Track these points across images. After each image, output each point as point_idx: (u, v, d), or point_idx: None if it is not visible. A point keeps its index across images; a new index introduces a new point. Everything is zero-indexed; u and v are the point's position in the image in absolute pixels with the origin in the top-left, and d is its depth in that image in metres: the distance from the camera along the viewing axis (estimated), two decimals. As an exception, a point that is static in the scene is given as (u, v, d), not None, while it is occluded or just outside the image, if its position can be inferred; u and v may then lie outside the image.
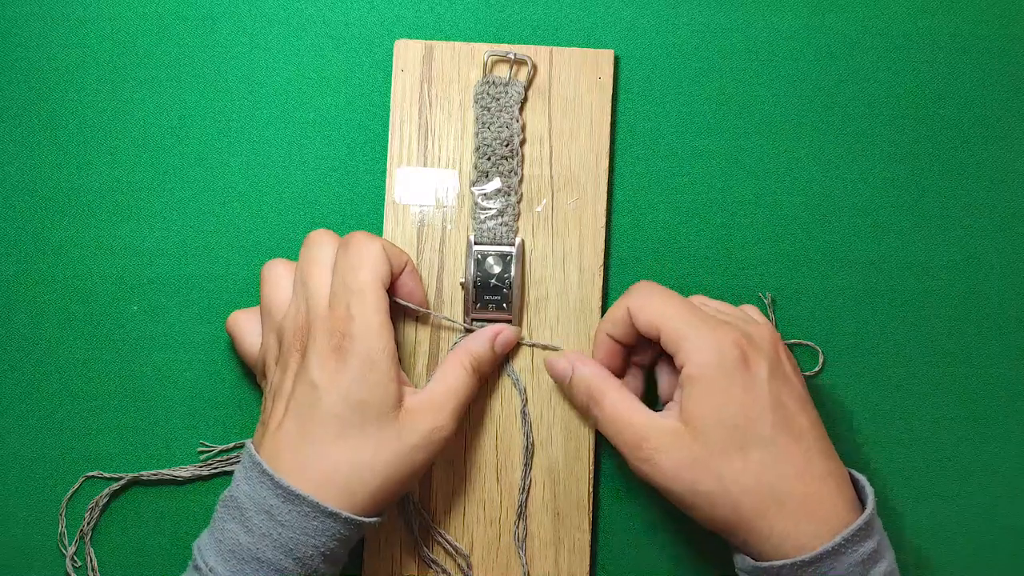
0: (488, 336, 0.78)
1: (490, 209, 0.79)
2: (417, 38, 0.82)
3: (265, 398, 0.75)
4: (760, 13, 0.83)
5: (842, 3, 0.83)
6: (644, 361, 0.78)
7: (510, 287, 0.78)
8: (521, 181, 0.80)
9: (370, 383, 0.70)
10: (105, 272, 0.82)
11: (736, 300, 0.81)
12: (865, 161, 0.83)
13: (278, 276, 0.76)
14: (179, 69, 0.83)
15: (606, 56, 0.81)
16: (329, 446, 0.70)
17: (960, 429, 0.82)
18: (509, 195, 0.79)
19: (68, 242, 0.82)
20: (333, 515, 0.68)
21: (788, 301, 0.82)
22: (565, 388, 0.78)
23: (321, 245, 0.74)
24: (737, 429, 0.69)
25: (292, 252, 0.81)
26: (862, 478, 0.72)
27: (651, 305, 0.73)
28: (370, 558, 0.79)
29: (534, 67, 0.80)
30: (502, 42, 0.82)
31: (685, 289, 0.82)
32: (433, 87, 0.81)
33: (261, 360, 0.76)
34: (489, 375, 0.79)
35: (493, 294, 0.78)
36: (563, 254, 0.80)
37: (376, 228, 0.81)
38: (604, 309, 0.81)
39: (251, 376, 0.81)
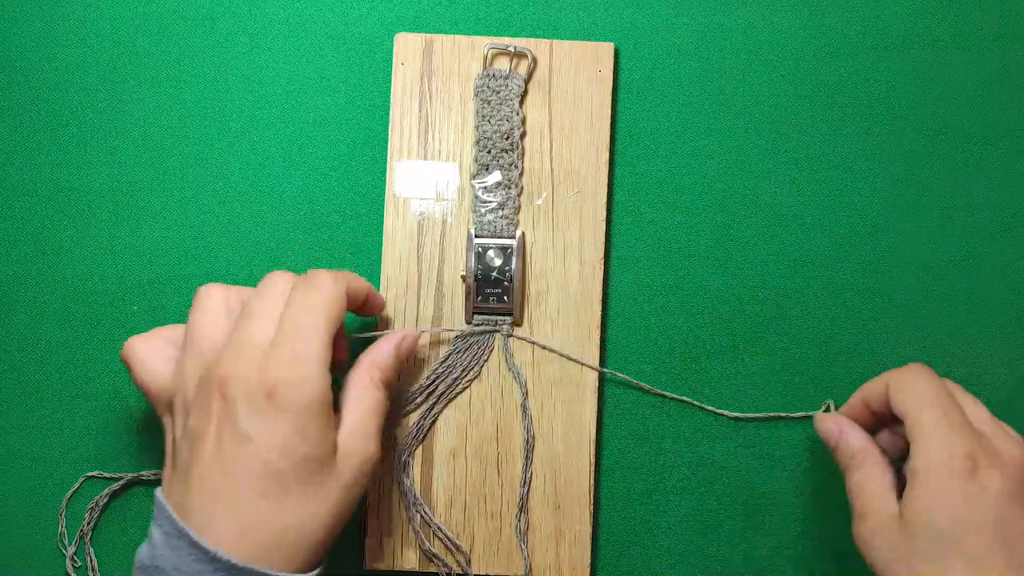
0: (392, 345, 0.75)
1: (490, 202, 0.79)
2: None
3: (177, 441, 0.69)
4: (760, 13, 0.83)
5: (842, 3, 0.84)
6: (894, 446, 0.76)
7: (511, 280, 0.78)
8: (521, 174, 0.80)
9: (310, 436, 0.66)
10: (105, 272, 0.82)
11: (736, 300, 0.82)
12: (865, 161, 0.83)
13: (214, 302, 0.71)
14: (179, 69, 0.83)
15: (606, 49, 0.81)
16: (270, 507, 0.65)
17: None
18: (509, 188, 0.79)
19: (68, 242, 0.82)
20: None
21: (788, 301, 0.82)
22: (830, 448, 0.75)
23: (277, 284, 0.70)
24: (944, 537, 0.65)
25: (292, 252, 0.82)
26: None
27: (910, 390, 0.70)
28: (371, 552, 0.79)
29: (534, 60, 0.80)
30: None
31: (685, 289, 0.82)
32: (433, 80, 0.81)
33: (169, 392, 0.71)
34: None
35: (494, 287, 0.78)
36: (564, 247, 0.80)
37: (377, 223, 0.81)
38: (605, 302, 0.81)
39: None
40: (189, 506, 0.65)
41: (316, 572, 0.67)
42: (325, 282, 0.70)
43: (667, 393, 0.81)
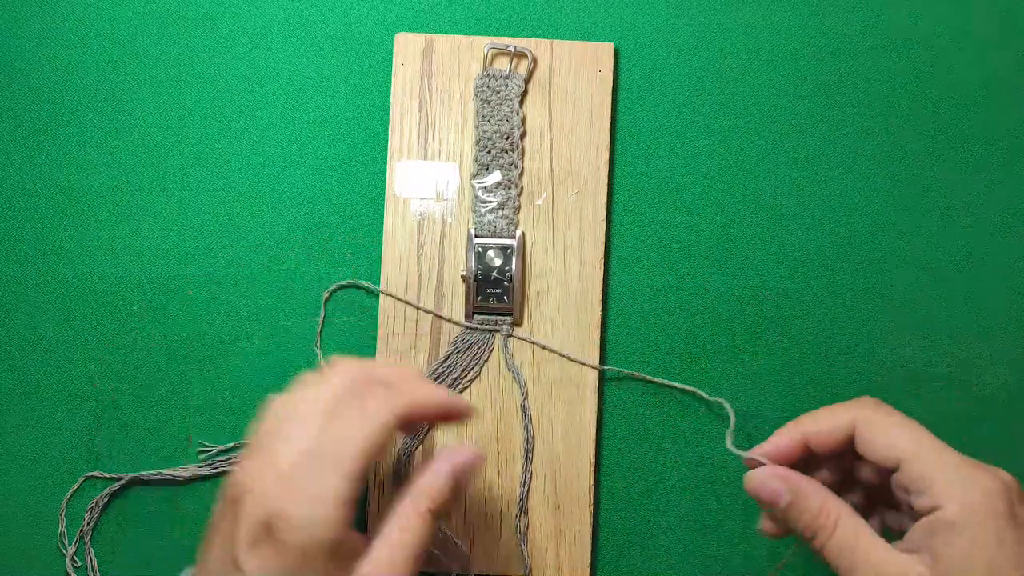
0: (446, 473, 0.65)
1: (490, 202, 0.79)
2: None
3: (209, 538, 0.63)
4: (760, 13, 0.83)
5: (842, 3, 0.84)
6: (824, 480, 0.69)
7: (511, 280, 0.78)
8: (521, 174, 0.80)
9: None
10: (105, 272, 0.82)
11: (736, 300, 0.81)
12: (865, 161, 0.83)
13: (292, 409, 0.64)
14: (179, 69, 0.83)
15: (606, 49, 0.81)
16: None
17: (960, 430, 0.81)
18: (509, 188, 0.79)
19: (68, 242, 0.82)
20: None
21: (788, 301, 0.82)
22: (777, 511, 0.65)
23: (329, 386, 0.63)
24: None
25: (292, 252, 0.82)
26: None
27: (890, 430, 0.63)
28: (371, 553, 0.79)
29: (534, 60, 0.81)
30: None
31: (685, 289, 0.82)
32: (433, 80, 0.81)
33: None
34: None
35: (494, 287, 0.79)
36: (563, 247, 0.80)
37: (377, 223, 0.81)
38: (605, 302, 0.81)
39: (251, 375, 0.81)
40: None
41: None
42: (376, 405, 0.62)
43: (672, 383, 0.81)
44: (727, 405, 0.77)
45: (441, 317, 0.79)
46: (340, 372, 0.64)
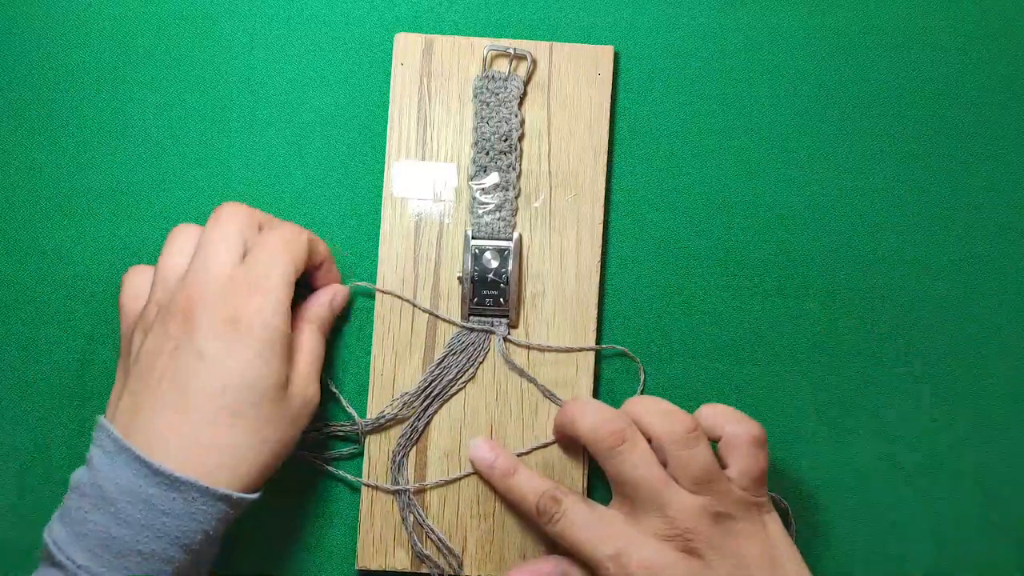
0: (327, 300, 0.78)
1: (488, 204, 0.79)
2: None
3: (131, 364, 0.71)
4: (760, 13, 0.83)
5: (842, 3, 0.83)
6: None
7: (507, 282, 0.78)
8: (519, 176, 0.80)
9: (270, 364, 0.69)
10: (105, 272, 0.82)
11: (736, 300, 0.81)
12: (865, 161, 0.83)
13: (185, 239, 0.74)
14: (179, 69, 0.83)
15: (606, 52, 0.81)
16: (220, 426, 0.67)
17: (960, 429, 0.81)
18: (507, 190, 0.79)
19: (68, 242, 0.82)
20: (224, 497, 0.66)
21: (788, 301, 0.82)
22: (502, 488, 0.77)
23: (237, 218, 0.73)
24: None
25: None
26: None
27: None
28: (363, 552, 0.79)
29: (534, 62, 0.80)
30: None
31: (685, 290, 0.81)
32: (432, 81, 0.81)
33: (135, 321, 0.73)
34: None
35: (490, 289, 0.78)
36: (560, 250, 0.80)
37: (374, 223, 0.81)
38: (601, 305, 0.81)
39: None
40: (134, 425, 0.67)
41: (256, 495, 0.69)
42: (291, 227, 0.74)
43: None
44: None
45: (437, 316, 0.79)
46: (237, 212, 0.74)
